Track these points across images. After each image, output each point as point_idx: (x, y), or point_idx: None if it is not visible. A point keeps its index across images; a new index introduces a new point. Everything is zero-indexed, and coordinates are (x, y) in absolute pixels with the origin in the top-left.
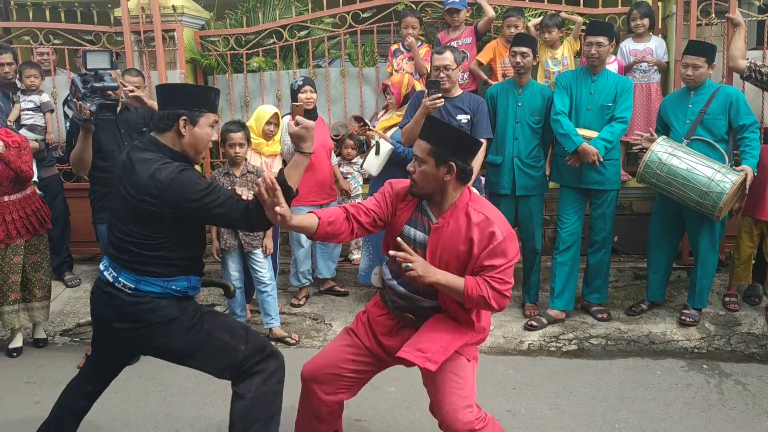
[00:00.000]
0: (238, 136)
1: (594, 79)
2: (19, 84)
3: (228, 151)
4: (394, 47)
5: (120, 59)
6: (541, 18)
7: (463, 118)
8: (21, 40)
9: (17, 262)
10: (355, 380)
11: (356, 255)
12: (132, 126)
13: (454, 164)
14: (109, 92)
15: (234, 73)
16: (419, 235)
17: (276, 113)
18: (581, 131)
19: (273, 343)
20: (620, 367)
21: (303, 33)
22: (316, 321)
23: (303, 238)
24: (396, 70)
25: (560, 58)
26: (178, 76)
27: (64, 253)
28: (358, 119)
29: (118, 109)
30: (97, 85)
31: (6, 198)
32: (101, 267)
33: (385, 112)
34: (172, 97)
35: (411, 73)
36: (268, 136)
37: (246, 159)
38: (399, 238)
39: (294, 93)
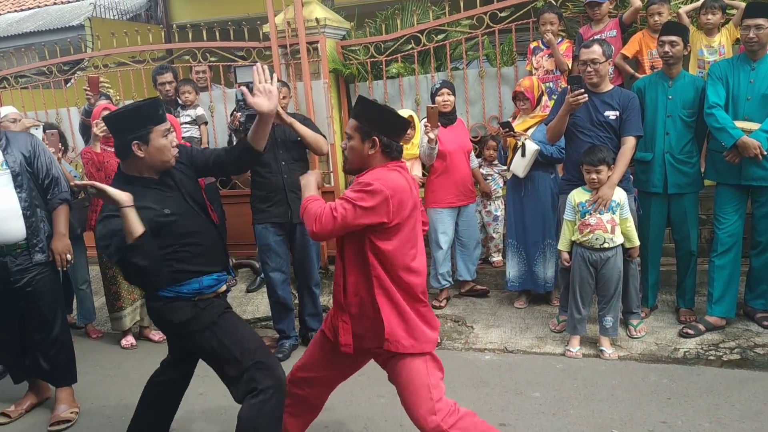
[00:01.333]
0: None
1: (753, 66)
2: (179, 100)
3: None
4: (533, 45)
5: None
6: (697, 2)
7: (611, 114)
8: (182, 60)
9: None
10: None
11: (496, 257)
12: (288, 135)
13: (377, 138)
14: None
15: (374, 80)
16: None
17: (412, 116)
18: (740, 123)
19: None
20: None
21: (440, 36)
22: (458, 323)
23: (442, 239)
24: (535, 68)
25: (717, 46)
26: (321, 86)
27: None
28: (505, 125)
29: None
30: (242, 102)
31: None
32: None
33: (514, 118)
34: (116, 127)
35: (550, 71)
36: (405, 139)
37: None
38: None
39: (432, 96)
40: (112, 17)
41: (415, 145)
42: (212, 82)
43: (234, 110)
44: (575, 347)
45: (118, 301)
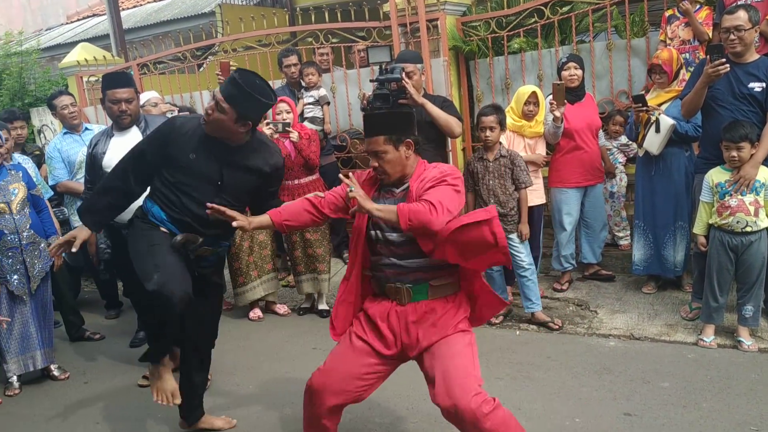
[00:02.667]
0: (489, 119)
1: None
2: (302, 82)
3: (480, 135)
4: (668, 13)
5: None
6: None
7: (757, 86)
8: (305, 42)
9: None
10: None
11: (623, 241)
12: (422, 115)
13: (411, 140)
14: (393, 84)
15: (495, 56)
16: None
17: (535, 92)
18: None
19: (534, 326)
20: None
21: (565, 9)
22: (580, 307)
23: (566, 220)
24: (670, 38)
25: None
26: (441, 63)
27: (342, 232)
28: (638, 99)
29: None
30: (381, 77)
31: (296, 181)
32: None
33: (647, 92)
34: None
35: (687, 41)
36: (528, 116)
37: (501, 143)
38: (348, 175)
39: (558, 71)
40: (240, 3)
41: (539, 122)
42: (333, 64)
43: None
44: (709, 337)
45: (240, 277)
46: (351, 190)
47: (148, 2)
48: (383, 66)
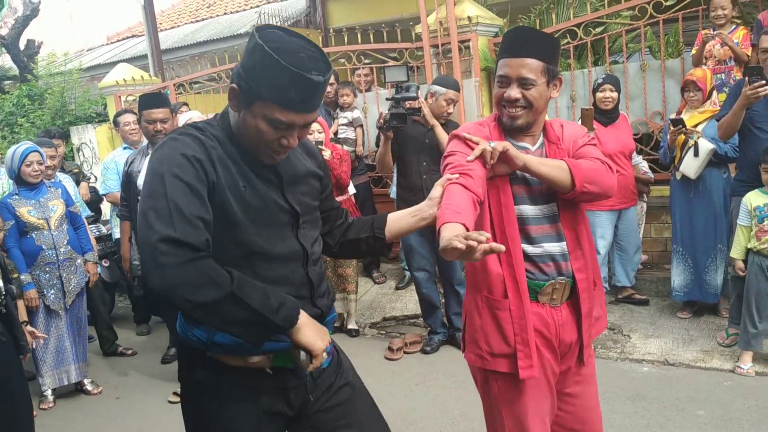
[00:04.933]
0: None
1: None
2: (338, 102)
3: None
4: (703, 33)
5: (420, 72)
6: None
7: None
8: (337, 63)
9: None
10: None
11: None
12: (430, 140)
13: (560, 77)
14: (408, 103)
15: None
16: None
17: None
18: None
19: None
20: None
21: (599, 29)
22: (613, 331)
23: (600, 243)
24: (707, 58)
25: None
26: (473, 84)
27: None
28: (677, 122)
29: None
30: (397, 96)
31: None
32: None
33: (678, 114)
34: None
35: (723, 61)
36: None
37: None
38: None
39: (594, 92)
40: (275, 23)
41: None
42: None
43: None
44: (747, 364)
45: None
46: (491, 146)
47: (186, 23)
48: (400, 85)
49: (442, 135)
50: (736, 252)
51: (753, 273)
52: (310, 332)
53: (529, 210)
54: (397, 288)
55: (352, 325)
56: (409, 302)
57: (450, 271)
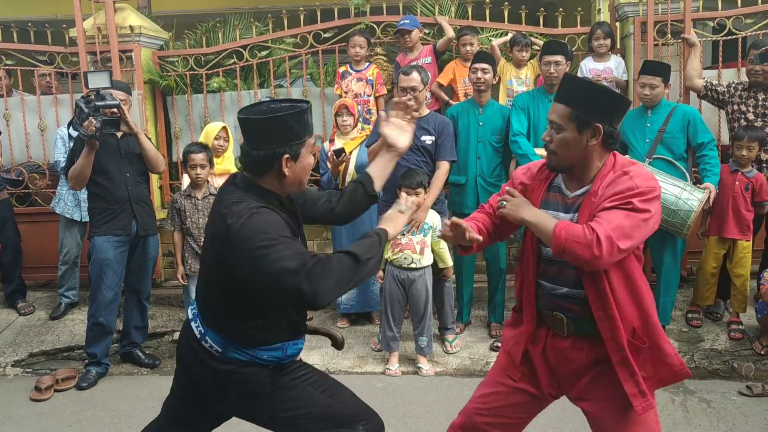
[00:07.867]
0: (199, 157)
1: (551, 99)
2: None
3: (189, 172)
4: (341, 69)
5: (76, 80)
6: (506, 36)
7: (428, 139)
8: None
9: None
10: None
11: None
12: (132, 147)
13: (600, 126)
14: (110, 110)
15: (194, 94)
16: (553, 214)
17: (225, 127)
18: (539, 151)
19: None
20: None
21: (264, 53)
22: None
23: None
24: (345, 92)
25: (524, 78)
26: (135, 97)
27: (16, 280)
28: (339, 153)
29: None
30: (98, 103)
31: None
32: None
33: (331, 142)
34: (268, 133)
35: (359, 94)
36: (217, 151)
37: (208, 181)
38: (508, 188)
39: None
40: None
41: (226, 159)
42: (9, 88)
43: (75, 119)
44: (394, 365)
45: None
46: (503, 205)
47: None
48: (98, 93)
49: (145, 142)
50: None
51: (388, 281)
52: (392, 229)
53: (545, 251)
54: (51, 318)
55: None
56: (62, 334)
57: (142, 285)
